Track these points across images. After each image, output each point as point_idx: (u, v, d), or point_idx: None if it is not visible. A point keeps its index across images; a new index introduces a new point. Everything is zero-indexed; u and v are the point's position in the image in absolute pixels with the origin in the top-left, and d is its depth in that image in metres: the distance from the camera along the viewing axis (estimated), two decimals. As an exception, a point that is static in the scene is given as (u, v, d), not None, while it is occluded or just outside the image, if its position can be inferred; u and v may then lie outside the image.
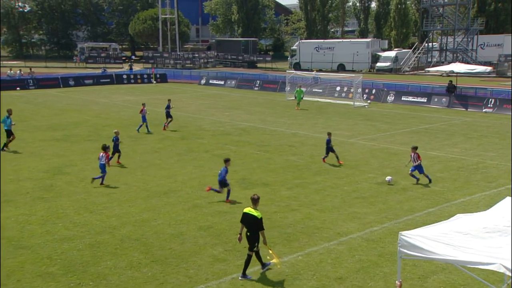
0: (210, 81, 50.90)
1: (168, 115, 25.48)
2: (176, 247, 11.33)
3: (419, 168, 16.03)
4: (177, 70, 62.22)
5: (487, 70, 37.72)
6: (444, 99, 34.18)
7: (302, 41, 72.54)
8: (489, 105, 31.74)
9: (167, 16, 75.23)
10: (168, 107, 25.58)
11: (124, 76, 52.73)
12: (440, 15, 63.27)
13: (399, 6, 73.76)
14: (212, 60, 74.84)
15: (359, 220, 12.97)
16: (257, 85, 46.28)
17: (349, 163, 18.66)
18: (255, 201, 9.86)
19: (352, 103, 35.05)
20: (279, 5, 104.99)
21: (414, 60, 63.23)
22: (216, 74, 55.26)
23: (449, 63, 49.02)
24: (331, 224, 12.69)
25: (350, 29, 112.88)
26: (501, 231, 6.82)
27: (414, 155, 16.07)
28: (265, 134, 24.58)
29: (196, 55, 73.38)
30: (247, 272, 9.98)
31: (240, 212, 13.53)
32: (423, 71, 57.61)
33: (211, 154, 20.20)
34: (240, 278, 9.91)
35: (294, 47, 71.36)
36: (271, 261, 10.21)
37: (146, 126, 24.62)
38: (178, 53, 74.38)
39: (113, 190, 15.40)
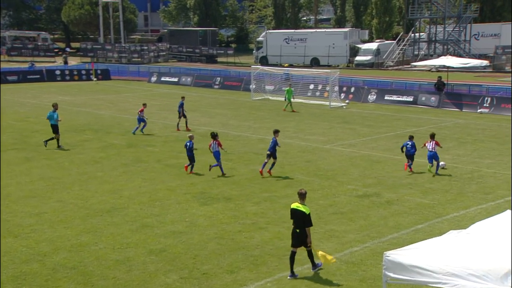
0: (162, 78, 50.65)
1: (182, 114, 26.79)
2: (122, 275, 11.18)
3: (436, 156, 18.80)
4: (122, 65, 61.62)
5: (483, 64, 38.86)
6: (433, 98, 35.07)
7: (270, 31, 73.16)
8: (485, 105, 32.76)
9: (108, 0, 74.42)
10: (181, 105, 26.81)
11: (57, 72, 51.87)
12: (428, 1, 64.99)
13: (381, -10, 75.29)
14: (164, 53, 74.53)
15: (337, 239, 13.12)
16: (217, 82, 46.34)
17: (324, 174, 18.87)
18: (302, 196, 11.04)
19: (328, 103, 35.53)
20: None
21: (399, 53, 64.71)
22: (169, 70, 55.02)
23: (439, 56, 50.29)
24: (305, 245, 12.77)
25: (325, 17, 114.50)
26: (502, 252, 6.91)
27: (432, 143, 18.88)
28: (227, 140, 24.57)
29: (145, 48, 72.96)
30: (293, 270, 11.15)
31: (198, 232, 13.51)
32: (409, 66, 59.04)
33: (163, 164, 20.05)
34: (289, 276, 11.12)
35: (260, 39, 71.84)
36: (321, 262, 11.18)
37: (138, 128, 25.95)
38: (123, 45, 73.71)
39: (44, 209, 15.07)
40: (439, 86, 36.03)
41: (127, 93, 43.52)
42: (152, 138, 25.10)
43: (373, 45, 64.55)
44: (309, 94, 39.22)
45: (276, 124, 28.46)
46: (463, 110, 33.11)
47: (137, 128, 25.99)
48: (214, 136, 18.86)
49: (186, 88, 46.55)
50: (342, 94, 38.15)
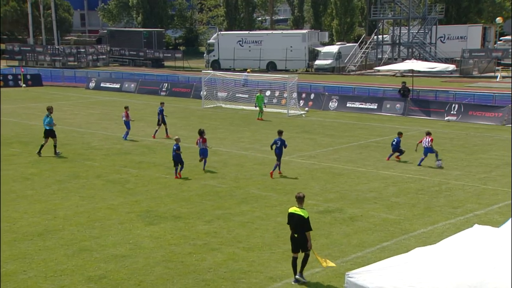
0: (102, 84, 50.04)
1: (162, 121, 27.75)
2: (56, 307, 10.91)
3: (430, 149, 21.94)
4: (56, 70, 60.55)
5: (450, 69, 40.02)
6: (398, 105, 35.88)
7: (222, 33, 73.44)
8: (452, 112, 33.74)
9: (39, -3, 73.25)
10: (161, 111, 27.69)
11: (-21, 77, 50.52)
12: (391, 1, 66.66)
13: (341, -11, 76.70)
14: (104, 56, 73.71)
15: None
16: (164, 89, 46.12)
17: (283, 188, 19.00)
18: (300, 200, 11.72)
19: (285, 111, 35.84)
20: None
21: (361, 57, 66.00)
22: (110, 75, 54.39)
23: (404, 60, 51.51)
24: (262, 266, 12.81)
25: (281, 17, 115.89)
26: (471, 267, 7.11)
27: (428, 138, 21.99)
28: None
29: (82, 50, 72.00)
30: (302, 274, 11.93)
31: (144, 256, 13.35)
32: (372, 71, 60.24)
33: (104, 180, 19.77)
34: (293, 281, 11.86)
35: (211, 41, 71.99)
36: (322, 265, 11.86)
37: (129, 133, 27.17)
38: (57, 46, 72.49)
39: (-34, 234, 14.59)
40: (404, 92, 36.91)
41: (61, 100, 42.71)
42: (91, 151, 24.71)
43: (333, 48, 65.62)
44: (265, 101, 39.44)
45: (230, 134, 28.51)
46: (430, 118, 33.99)
47: (127, 132, 27.24)
48: (201, 133, 21.22)
49: (129, 95, 46.09)
50: (301, 101, 38.56)
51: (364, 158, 23.48)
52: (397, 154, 23.20)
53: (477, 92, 39.20)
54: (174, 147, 20.42)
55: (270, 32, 71.95)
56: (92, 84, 50.58)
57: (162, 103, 28.51)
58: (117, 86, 49.09)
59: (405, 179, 20.18)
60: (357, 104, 37.18)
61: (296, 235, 11.68)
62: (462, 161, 22.99)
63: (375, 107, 36.47)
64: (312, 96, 39.34)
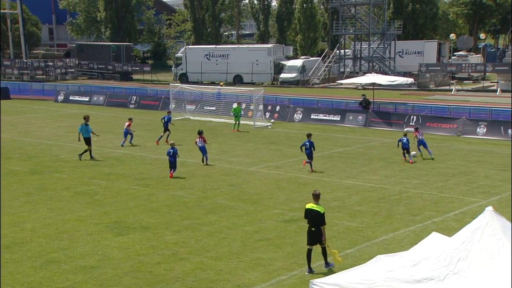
0: (71, 97, 49.36)
1: (167, 128, 29.25)
2: (24, 319, 10.66)
3: (423, 143, 25.04)
4: (24, 83, 59.49)
5: (409, 82, 40.71)
6: (360, 117, 36.29)
7: (189, 46, 73.28)
8: (411, 123, 34.27)
9: (6, 11, 71.89)
10: (169, 119, 29.63)
11: None
12: (352, 17, 67.60)
13: (304, 5, 77.54)
14: (73, 70, 72.77)
15: (264, 267, 13.20)
16: (133, 102, 45.74)
17: (249, 198, 18.99)
18: (317, 197, 13.01)
19: (252, 123, 35.91)
20: (159, 2, 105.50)
21: (325, 71, 66.61)
22: (79, 88, 53.67)
23: (365, 73, 52.18)
24: (229, 275, 12.76)
25: (247, 32, 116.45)
26: (429, 276, 7.21)
27: (418, 134, 25.21)
28: (144, 164, 24.26)
29: (50, 64, 70.95)
30: (311, 267, 12.89)
31: (112, 266, 13.16)
32: (335, 84, 60.80)
33: (73, 192, 19.47)
34: (307, 271, 12.82)
35: (179, 54, 71.74)
36: (332, 257, 12.78)
37: (126, 141, 28.59)
38: (25, 60, 71.26)
39: None
40: (365, 105, 37.36)
41: (29, 113, 41.98)
42: (59, 163, 24.33)
43: (298, 62, 66.04)
44: (232, 113, 39.48)
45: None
46: (390, 129, 34.44)
47: (124, 141, 28.51)
48: (200, 132, 24.24)
49: (98, 108, 45.57)
50: (267, 113, 38.65)
51: (328, 168, 23.65)
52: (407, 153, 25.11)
53: (434, 105, 39.95)
54: (171, 151, 21.75)
55: (236, 46, 72.13)
56: (60, 97, 49.83)
57: (169, 112, 31.33)
58: (86, 99, 48.46)
59: (367, 188, 20.38)
60: (321, 116, 37.47)
61: (313, 229, 12.82)
62: (421, 170, 23.34)
63: (338, 118, 36.80)
64: (278, 108, 39.49)
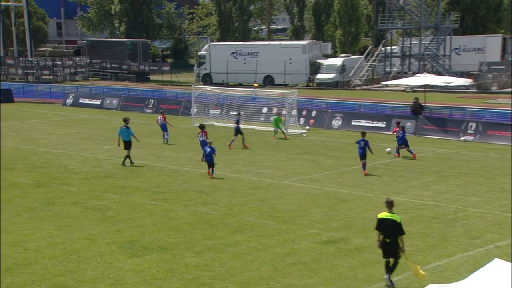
0: (81, 100, 50.07)
1: (238, 130, 31.37)
2: None
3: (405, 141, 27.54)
4: (29, 84, 60.66)
5: (467, 83, 40.06)
6: (409, 124, 35.96)
7: (214, 43, 73.79)
8: (469, 131, 33.82)
9: (10, 3, 73.36)
10: (237, 122, 31.74)
11: None
12: (401, 9, 67.18)
13: (345, -4, 77.37)
14: (83, 70, 73.96)
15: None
16: (150, 105, 46.21)
17: (281, 215, 18.96)
18: (390, 205, 13.31)
19: (284, 129, 35.89)
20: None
21: (368, 70, 66.34)
22: (90, 90, 54.50)
23: (414, 73, 51.75)
24: (259, 304, 12.72)
25: (279, 26, 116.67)
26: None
27: (399, 130, 27.66)
28: (162, 176, 24.43)
29: (59, 63, 72.25)
30: (391, 279, 13.35)
31: (126, 292, 13.25)
32: (380, 85, 60.54)
33: (82, 207, 19.70)
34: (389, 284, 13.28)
35: (202, 52, 72.31)
36: (412, 272, 13.09)
37: (167, 136, 32.02)
38: (30, 59, 72.64)
39: None
40: (416, 110, 37.00)
41: (35, 119, 42.70)
42: (68, 175, 24.66)
43: (337, 61, 65.90)
44: (261, 119, 39.56)
45: (223, 155, 28.51)
46: (444, 138, 34.04)
47: (167, 136, 32.14)
48: (202, 127, 27.17)
49: (111, 112, 46.14)
50: (301, 119, 38.61)
51: (372, 182, 23.48)
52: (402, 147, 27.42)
53: (497, 110, 39.35)
54: (209, 149, 23.99)
55: (267, 43, 72.36)
56: (69, 100, 50.60)
57: (239, 114, 33.75)
58: (98, 102, 49.10)
59: (417, 205, 20.17)
60: (363, 122, 37.26)
61: (388, 240, 13.20)
62: (481, 186, 22.99)
63: (383, 125, 36.56)
64: (314, 113, 39.40)
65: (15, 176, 24.11)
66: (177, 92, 51.37)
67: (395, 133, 28.99)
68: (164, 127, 32.45)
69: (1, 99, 49.97)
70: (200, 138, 26.68)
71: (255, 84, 52.07)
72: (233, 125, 38.24)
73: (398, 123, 29.53)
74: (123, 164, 26.17)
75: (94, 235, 16.92)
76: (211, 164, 24.16)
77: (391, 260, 13.49)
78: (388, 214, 13.27)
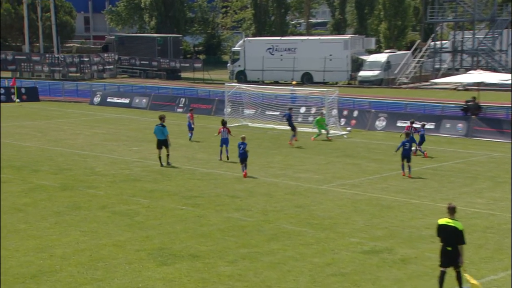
0: (109, 99, 50.64)
1: (292, 126, 32.78)
2: None
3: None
4: (55, 82, 61.52)
5: None
6: (460, 125, 35.59)
7: (249, 39, 74.04)
8: (527, 133, 33.26)
9: (36, -3, 74.60)
10: (289, 116, 33.41)
11: (-35, 91, 51.56)
12: (453, 0, 66.36)
13: (391, -13, 76.77)
14: (111, 67, 74.79)
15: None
16: (181, 104, 46.48)
17: (320, 222, 18.90)
18: (452, 210, 13.25)
19: (323, 131, 35.75)
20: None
21: (415, 67, 65.76)
22: (118, 88, 55.07)
23: (467, 70, 51.03)
24: (296, 317, 12.70)
25: (319, 20, 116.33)
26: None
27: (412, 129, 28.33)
28: (194, 180, 24.54)
29: (86, 59, 73.16)
30: None
31: (155, 302, 13.33)
32: (429, 83, 59.93)
33: (110, 212, 19.90)
34: None
35: (236, 48, 72.57)
36: (468, 286, 12.93)
37: (192, 134, 33.54)
38: (57, 55, 73.76)
39: (-51, 273, 14.78)
40: (473, 110, 36.34)
41: (61, 118, 43.30)
42: (94, 177, 24.94)
43: (381, 57, 65.51)
44: (299, 119, 39.41)
45: (257, 158, 28.54)
46: (499, 141, 33.53)
47: (192, 134, 33.49)
48: (224, 123, 28.32)
49: (140, 112, 46.57)
50: (342, 119, 38.45)
51: (419, 187, 23.26)
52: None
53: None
54: (242, 145, 24.68)
55: (305, 38, 72.26)
56: (97, 99, 51.22)
57: (290, 109, 34.89)
58: (126, 101, 49.60)
59: (470, 214, 19.90)
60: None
61: (448, 249, 13.13)
62: (539, 192, 22.57)
63: (432, 126, 36.20)
64: (356, 113, 39.21)
65: (40, 179, 24.47)
66: (209, 91, 51.61)
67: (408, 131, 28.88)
68: (189, 126, 33.67)
69: (26, 97, 50.93)
70: (224, 136, 27.72)
71: (294, 82, 52.03)
72: (268, 126, 38.46)
73: (412, 122, 30.15)
74: (166, 164, 26.82)
75: (122, 242, 17.08)
76: (245, 160, 24.82)
77: (453, 272, 13.33)
78: (450, 220, 13.17)
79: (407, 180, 24.41)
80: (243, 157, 24.76)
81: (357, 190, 22.96)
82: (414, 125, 29.75)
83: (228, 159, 27.62)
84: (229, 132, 27.82)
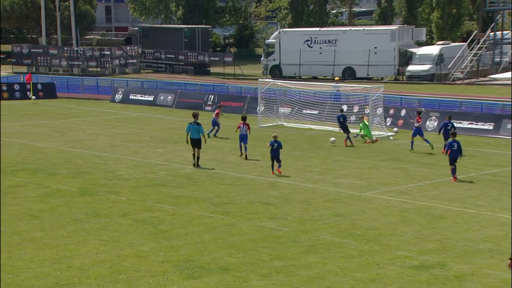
0: (131, 96, 51.05)
1: (345, 128, 33.26)
2: None
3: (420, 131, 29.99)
4: (74, 78, 62.16)
5: None
6: (518, 125, 35.14)
7: (285, 30, 73.96)
8: None
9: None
10: (344, 118, 33.60)
11: (-23, 87, 52.24)
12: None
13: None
14: (135, 61, 75.32)
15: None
16: (209, 102, 46.62)
17: (363, 234, 18.80)
18: None
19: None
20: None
21: (472, 61, 65.06)
22: (141, 84, 55.43)
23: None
24: (336, 338, 12.64)
25: (363, 9, 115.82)
26: None
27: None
28: (224, 185, 24.59)
29: (107, 53, 73.73)
30: None
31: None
32: (487, 79, 59.32)
33: (132, 220, 20.02)
34: None
35: (271, 41, 72.63)
36: None
37: (212, 131, 34.54)
38: (76, 48, 74.51)
39: (-42, 285, 15.01)
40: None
41: (80, 117, 43.72)
42: (116, 182, 25.12)
43: (433, 49, 64.98)
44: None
45: (294, 161, 28.52)
46: None
47: (211, 130, 34.20)
48: (245, 118, 29.49)
49: (165, 110, 46.82)
50: (388, 119, 38.24)
51: (475, 195, 23.02)
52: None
53: None
54: (275, 144, 25.62)
55: (348, 29, 72.02)
56: (118, 96, 51.65)
57: (342, 110, 34.76)
58: (150, 98, 49.94)
59: (531, 224, 19.63)
60: (465, 124, 36.64)
61: None
62: None
63: (491, 127, 35.87)
64: (403, 112, 38.95)
65: (57, 183, 24.72)
66: (241, 87, 51.69)
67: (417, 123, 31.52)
68: (213, 123, 34.88)
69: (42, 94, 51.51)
70: (244, 132, 28.88)
71: (337, 78, 51.78)
72: (306, 126, 38.39)
73: (419, 113, 32.06)
74: (197, 165, 27.34)
75: (145, 252, 17.17)
76: (277, 160, 25.75)
77: None
78: None
79: (462, 187, 24.16)
80: (276, 156, 25.76)
81: (404, 197, 22.80)
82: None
83: (246, 158, 28.84)
84: (248, 128, 28.92)
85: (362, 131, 33.91)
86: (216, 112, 35.55)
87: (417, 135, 31.02)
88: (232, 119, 41.22)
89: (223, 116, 36.49)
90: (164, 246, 17.67)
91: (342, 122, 33.41)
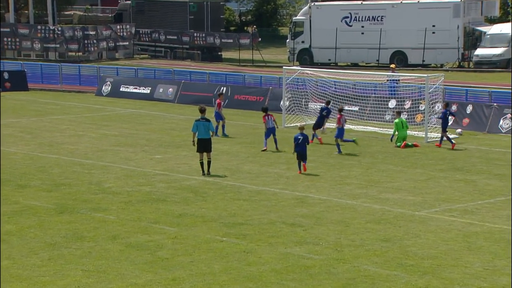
0: (123, 88, 51.16)
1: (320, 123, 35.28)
2: None
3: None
4: (50, 65, 62.39)
5: None
6: None
7: (317, 4, 73.86)
8: None
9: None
10: (328, 113, 35.34)
11: None
12: None
13: None
14: (126, 43, 75.50)
15: None
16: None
17: (417, 264, 18.75)
18: None
19: (422, 133, 35.57)
20: None
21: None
22: (135, 72, 55.52)
23: None
24: None
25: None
26: None
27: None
28: (238, 200, 24.62)
29: (92, 33, 73.95)
30: None
31: None
32: None
33: (123, 244, 20.07)
34: None
35: (299, 17, 72.66)
36: None
37: (222, 127, 35.96)
38: (52, 27, 74.70)
39: None
40: None
41: (58, 114, 43.87)
42: (103, 196, 25.18)
43: (509, 28, 64.57)
44: (387, 117, 39.29)
45: (328, 170, 28.53)
46: None
47: (217, 128, 33.92)
48: (265, 109, 32.82)
49: (165, 105, 46.93)
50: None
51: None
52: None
53: None
54: (301, 137, 27.70)
55: (398, 2, 71.67)
56: (106, 88, 51.75)
57: (328, 102, 36.47)
58: (147, 91, 50.03)
59: None
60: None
61: None
62: None
63: None
64: (469, 109, 38.83)
65: (28, 198, 24.78)
66: (261, 77, 51.68)
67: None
68: (216, 116, 35.82)
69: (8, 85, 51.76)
70: (271, 125, 32.16)
71: (393, 66, 51.01)
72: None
73: (446, 105, 34.81)
74: (208, 173, 27.94)
75: (140, 286, 17.22)
76: (303, 156, 27.61)
77: None
78: None
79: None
80: (302, 151, 27.70)
81: (471, 218, 22.73)
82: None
83: (277, 149, 32.13)
84: (274, 120, 32.21)
85: (398, 131, 33.48)
86: (217, 102, 36.68)
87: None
88: (249, 117, 41.32)
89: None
90: (163, 278, 17.70)
91: (324, 116, 35.28)
